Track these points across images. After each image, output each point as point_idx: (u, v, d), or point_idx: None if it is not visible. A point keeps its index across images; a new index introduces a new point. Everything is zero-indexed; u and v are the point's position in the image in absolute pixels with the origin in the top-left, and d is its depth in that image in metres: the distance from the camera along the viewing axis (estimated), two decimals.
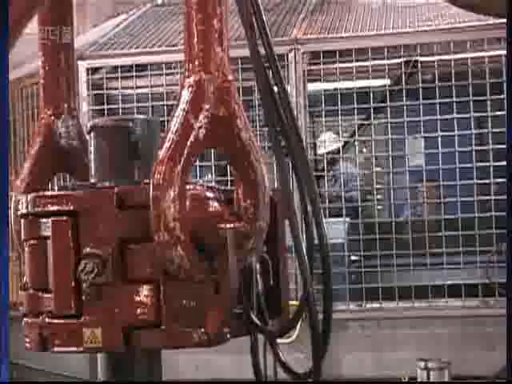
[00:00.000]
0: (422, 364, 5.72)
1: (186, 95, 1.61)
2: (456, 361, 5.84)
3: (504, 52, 5.78)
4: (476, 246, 6.57)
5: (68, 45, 2.02)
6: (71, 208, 1.70)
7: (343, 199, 6.89)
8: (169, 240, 1.56)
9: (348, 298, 6.65)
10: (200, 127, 1.59)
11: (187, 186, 1.61)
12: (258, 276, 1.73)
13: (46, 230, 1.72)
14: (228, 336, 1.65)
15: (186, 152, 1.57)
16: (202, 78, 1.61)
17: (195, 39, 1.62)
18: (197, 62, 1.62)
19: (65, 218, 1.69)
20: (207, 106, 1.60)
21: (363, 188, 7.34)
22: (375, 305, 6.73)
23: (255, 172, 1.64)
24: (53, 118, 2.02)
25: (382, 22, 7.25)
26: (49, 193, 1.80)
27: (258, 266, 1.72)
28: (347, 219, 6.99)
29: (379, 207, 7.36)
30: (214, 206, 1.65)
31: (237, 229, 1.59)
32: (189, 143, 1.58)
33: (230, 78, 1.64)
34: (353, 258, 7.04)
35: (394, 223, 6.77)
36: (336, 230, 6.68)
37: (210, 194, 1.66)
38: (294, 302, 1.88)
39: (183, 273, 1.60)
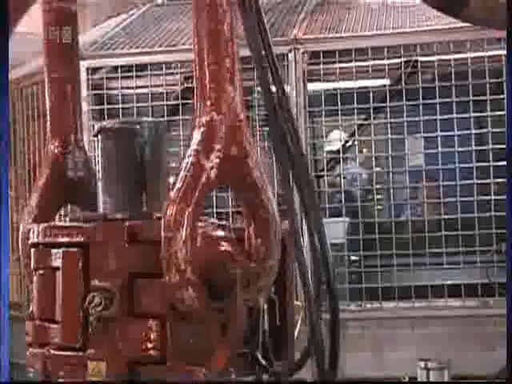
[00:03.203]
0: (422, 364, 5.73)
1: (197, 135, 1.61)
2: (456, 361, 5.84)
3: (504, 52, 5.77)
4: (476, 246, 6.56)
5: (74, 78, 2.02)
6: (82, 240, 1.70)
7: (343, 199, 6.88)
8: (179, 281, 1.57)
9: (348, 297, 6.65)
10: (212, 168, 1.59)
11: (198, 224, 1.61)
12: (265, 316, 1.72)
13: (56, 261, 1.73)
14: (233, 376, 1.65)
15: (197, 193, 1.57)
16: (213, 118, 1.61)
17: (207, 79, 1.61)
18: (208, 102, 1.61)
19: (75, 249, 1.70)
20: (219, 146, 1.60)
21: (363, 187, 7.33)
22: (375, 305, 6.73)
23: (267, 211, 1.64)
24: (60, 149, 2.01)
25: (381, 22, 7.22)
26: (60, 224, 1.80)
27: (265, 306, 1.71)
28: (347, 219, 6.98)
29: (379, 207, 7.35)
30: (225, 246, 1.64)
31: (247, 269, 1.59)
32: (200, 184, 1.58)
33: (242, 117, 1.63)
34: (353, 257, 7.03)
35: (393, 223, 6.76)
36: (336, 230, 6.67)
37: (220, 233, 1.66)
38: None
39: (193, 313, 1.60)
